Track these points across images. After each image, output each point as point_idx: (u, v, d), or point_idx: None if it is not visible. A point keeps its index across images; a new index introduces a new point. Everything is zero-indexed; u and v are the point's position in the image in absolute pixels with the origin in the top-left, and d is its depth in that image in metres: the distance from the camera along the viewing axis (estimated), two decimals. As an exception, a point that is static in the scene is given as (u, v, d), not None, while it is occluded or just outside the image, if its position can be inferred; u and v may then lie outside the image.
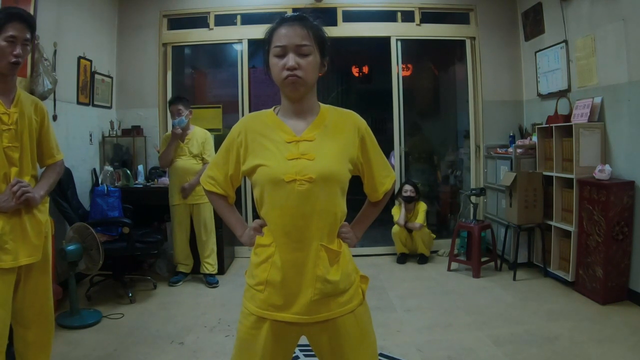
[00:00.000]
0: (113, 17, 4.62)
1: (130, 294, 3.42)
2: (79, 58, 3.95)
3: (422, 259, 4.43)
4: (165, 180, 4.11)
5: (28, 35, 1.82)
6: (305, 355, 2.44)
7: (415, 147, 5.30)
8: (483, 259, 4.03)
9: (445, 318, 3.06)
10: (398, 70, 4.77)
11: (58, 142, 2.10)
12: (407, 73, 5.53)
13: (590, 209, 3.31)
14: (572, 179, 3.51)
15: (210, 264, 3.87)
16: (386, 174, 1.38)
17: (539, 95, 4.40)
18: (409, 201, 4.42)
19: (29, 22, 1.83)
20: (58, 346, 2.65)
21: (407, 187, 4.48)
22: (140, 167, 4.43)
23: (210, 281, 3.82)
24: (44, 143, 2.00)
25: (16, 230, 1.82)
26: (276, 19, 1.26)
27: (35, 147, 1.94)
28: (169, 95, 4.75)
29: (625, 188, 3.19)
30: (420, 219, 4.39)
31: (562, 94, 3.97)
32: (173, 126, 3.71)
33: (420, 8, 4.71)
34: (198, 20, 4.75)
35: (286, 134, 1.25)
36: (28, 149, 1.89)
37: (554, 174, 3.71)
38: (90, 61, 4.12)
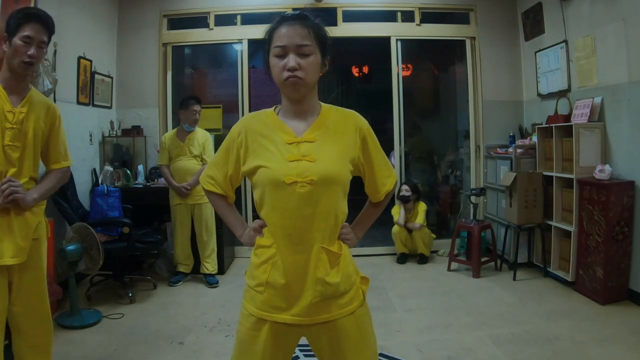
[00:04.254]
0: (113, 17, 4.62)
1: (130, 294, 3.42)
2: (79, 58, 3.95)
3: (422, 259, 4.43)
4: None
5: (45, 38, 1.81)
6: (305, 356, 2.44)
7: (415, 147, 5.31)
8: (483, 259, 4.03)
9: (445, 318, 3.06)
10: (398, 70, 4.77)
11: (68, 148, 2.05)
12: (407, 73, 5.54)
13: (590, 209, 3.31)
14: (572, 179, 3.51)
15: (210, 264, 3.87)
16: (388, 174, 1.37)
17: (539, 95, 4.40)
18: (405, 201, 4.42)
19: (47, 24, 1.82)
20: (58, 346, 2.65)
21: (404, 186, 4.49)
22: (140, 167, 4.43)
23: (210, 281, 3.82)
24: (51, 147, 1.97)
25: (2, 229, 1.79)
26: (276, 18, 1.24)
27: (39, 150, 1.92)
28: (169, 96, 4.76)
29: (625, 188, 3.19)
30: (420, 219, 4.39)
31: (562, 94, 3.97)
32: (183, 188, 3.73)
33: (420, 8, 4.71)
34: (198, 20, 4.75)
35: (287, 135, 1.24)
36: (30, 150, 1.86)
37: (554, 174, 3.71)
38: (90, 61, 4.12)
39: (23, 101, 1.84)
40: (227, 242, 4.26)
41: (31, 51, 1.76)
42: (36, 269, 1.92)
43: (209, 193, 1.39)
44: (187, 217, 3.84)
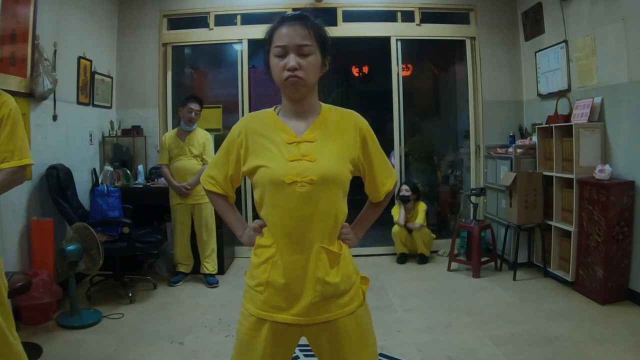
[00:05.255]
0: (113, 17, 4.62)
1: (130, 294, 3.42)
2: (79, 58, 3.95)
3: (422, 259, 4.43)
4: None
5: None
6: (305, 356, 2.44)
7: (415, 147, 5.31)
8: (483, 259, 4.03)
9: (445, 318, 3.06)
10: (398, 70, 4.77)
11: (27, 146, 1.80)
12: (407, 73, 5.54)
13: (590, 209, 3.31)
14: (572, 179, 3.51)
15: (210, 264, 3.87)
16: (388, 175, 1.37)
17: (539, 95, 4.40)
18: (405, 201, 4.42)
19: None
20: (58, 346, 2.66)
21: (403, 186, 4.49)
22: (140, 167, 4.43)
23: (210, 281, 3.82)
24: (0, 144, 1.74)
25: None
26: (276, 19, 1.24)
27: None
28: (169, 96, 4.76)
29: (625, 188, 3.19)
30: (420, 219, 4.39)
31: (562, 94, 3.97)
32: (184, 188, 3.73)
33: (420, 8, 4.71)
34: (198, 20, 4.75)
35: (287, 135, 1.24)
36: None
37: (554, 174, 3.71)
38: (90, 61, 4.12)
39: None
40: (227, 242, 4.27)
41: None
42: None
43: (209, 193, 1.40)
44: (187, 217, 3.84)
